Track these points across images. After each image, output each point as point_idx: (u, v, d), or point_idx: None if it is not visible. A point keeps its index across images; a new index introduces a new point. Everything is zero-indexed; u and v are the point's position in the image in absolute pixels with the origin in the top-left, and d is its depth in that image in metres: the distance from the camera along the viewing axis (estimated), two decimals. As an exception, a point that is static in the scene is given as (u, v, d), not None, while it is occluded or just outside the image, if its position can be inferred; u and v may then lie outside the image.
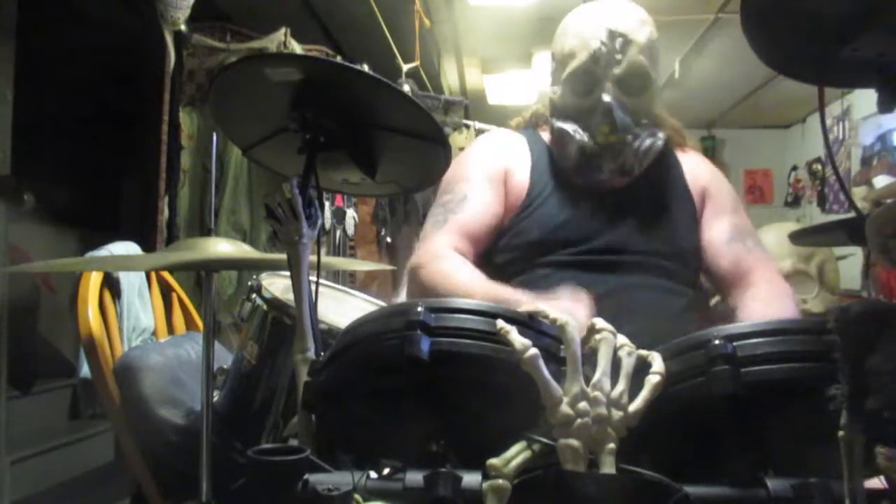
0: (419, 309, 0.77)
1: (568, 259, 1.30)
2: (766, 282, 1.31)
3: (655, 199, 1.37)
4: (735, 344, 0.75)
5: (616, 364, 0.77)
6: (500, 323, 0.76)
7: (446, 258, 1.25)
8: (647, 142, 1.31)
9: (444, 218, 1.34)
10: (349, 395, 0.85)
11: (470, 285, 1.17)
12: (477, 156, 1.45)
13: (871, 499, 0.65)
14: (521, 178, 1.39)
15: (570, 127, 1.32)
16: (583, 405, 0.73)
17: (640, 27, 1.32)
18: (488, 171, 1.39)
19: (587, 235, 1.32)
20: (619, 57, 1.29)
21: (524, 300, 0.96)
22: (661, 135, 1.34)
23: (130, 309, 1.72)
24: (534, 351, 0.73)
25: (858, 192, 4.50)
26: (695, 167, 1.44)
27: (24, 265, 2.52)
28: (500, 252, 1.36)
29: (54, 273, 2.92)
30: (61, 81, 3.19)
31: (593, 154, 1.31)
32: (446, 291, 1.17)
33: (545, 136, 1.44)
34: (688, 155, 1.46)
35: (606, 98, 1.29)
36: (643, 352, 0.79)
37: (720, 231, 1.37)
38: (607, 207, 1.34)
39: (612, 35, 1.29)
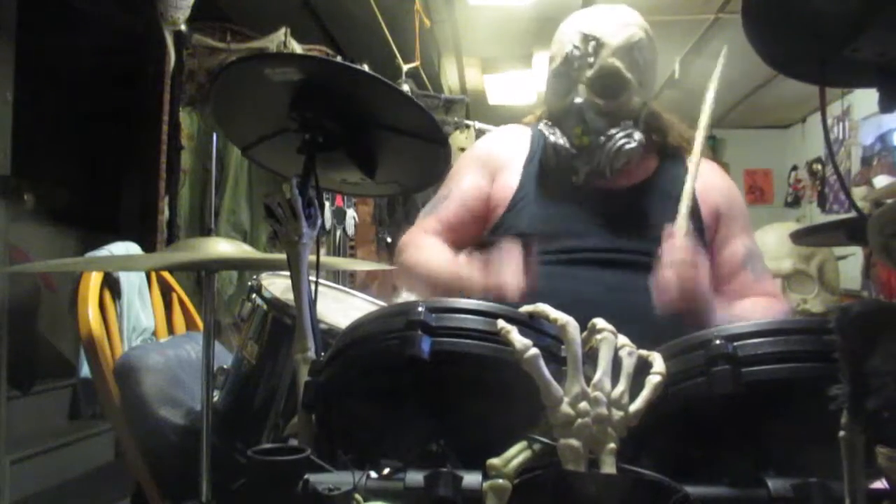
0: (420, 309, 0.77)
1: (560, 257, 1.30)
2: (764, 298, 1.34)
3: (653, 203, 1.36)
4: (735, 344, 0.75)
5: (617, 364, 0.77)
6: (501, 323, 0.76)
7: (419, 243, 1.39)
8: (620, 143, 1.31)
9: (429, 210, 1.46)
10: (349, 394, 0.85)
11: (434, 262, 1.30)
12: (470, 154, 1.52)
13: (872, 499, 0.65)
14: (514, 173, 1.41)
15: (548, 129, 1.36)
16: (583, 405, 0.73)
17: (618, 30, 1.33)
18: (477, 169, 1.45)
19: (583, 232, 1.32)
20: (591, 60, 1.32)
21: (476, 274, 1.14)
22: (636, 136, 1.33)
23: (130, 309, 1.72)
24: (534, 351, 0.73)
25: (859, 192, 4.50)
26: (709, 181, 1.40)
27: (24, 265, 2.52)
28: (491, 247, 1.37)
29: (54, 273, 2.92)
30: (61, 81, 3.19)
31: (568, 156, 1.33)
32: (416, 269, 1.33)
33: None
34: (701, 166, 1.41)
35: (577, 100, 1.32)
36: (644, 352, 0.79)
37: (732, 255, 1.37)
38: (605, 206, 1.34)
39: (586, 38, 1.33)
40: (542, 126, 1.38)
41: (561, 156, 1.34)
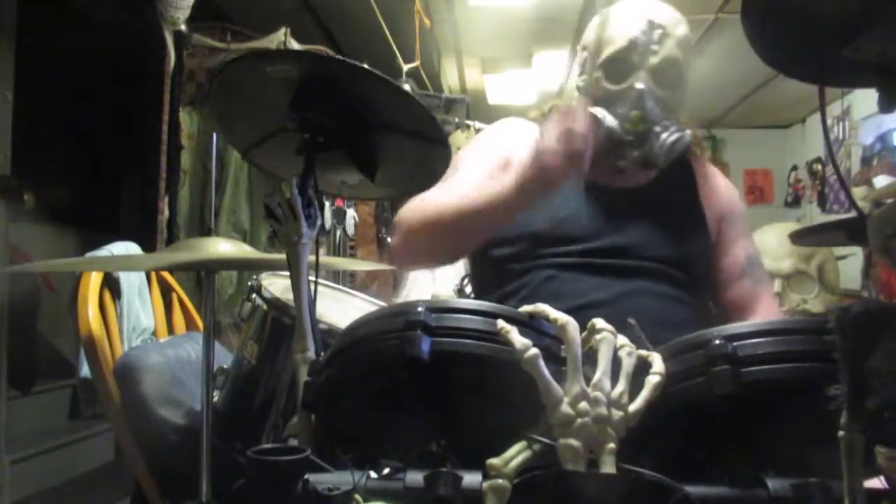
0: (419, 309, 0.77)
1: (570, 260, 1.28)
2: (762, 314, 1.34)
3: (664, 205, 1.35)
4: (735, 344, 0.75)
5: (616, 364, 0.77)
6: (501, 323, 0.75)
7: (428, 199, 1.26)
8: (675, 136, 1.28)
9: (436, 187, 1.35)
10: (349, 395, 0.85)
11: (464, 198, 1.20)
12: (479, 144, 1.46)
13: (872, 499, 0.65)
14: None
15: (599, 112, 1.29)
16: (583, 405, 0.73)
17: (677, 23, 1.33)
18: (487, 159, 1.38)
19: (590, 234, 1.30)
20: (655, 48, 1.30)
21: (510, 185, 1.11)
22: (688, 132, 1.32)
23: (130, 309, 1.72)
24: (534, 351, 0.73)
25: (858, 192, 4.50)
26: (712, 185, 1.42)
27: (24, 265, 2.52)
28: (498, 246, 1.34)
29: (54, 273, 2.92)
30: (61, 81, 3.19)
31: (620, 141, 1.28)
32: (441, 210, 1.21)
33: None
34: (704, 168, 1.44)
35: (640, 85, 1.28)
36: (643, 352, 0.79)
37: (734, 261, 1.38)
38: (613, 207, 1.32)
39: (652, 25, 1.30)
40: (591, 108, 1.29)
41: (612, 140, 1.28)
